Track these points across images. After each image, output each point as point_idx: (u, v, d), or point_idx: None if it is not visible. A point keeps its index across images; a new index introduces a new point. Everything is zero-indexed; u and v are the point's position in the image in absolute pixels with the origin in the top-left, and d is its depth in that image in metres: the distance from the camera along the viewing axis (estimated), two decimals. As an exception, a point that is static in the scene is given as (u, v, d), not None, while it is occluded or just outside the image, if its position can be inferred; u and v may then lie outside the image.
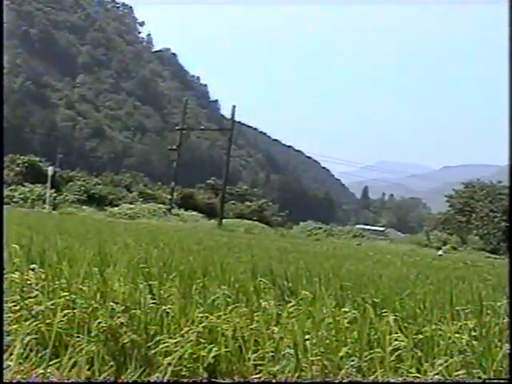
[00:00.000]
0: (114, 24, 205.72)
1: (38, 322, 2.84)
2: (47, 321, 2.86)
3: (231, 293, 3.88)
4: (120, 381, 2.49)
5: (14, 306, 3.05)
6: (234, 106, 53.10)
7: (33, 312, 2.95)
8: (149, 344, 2.73)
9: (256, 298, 3.80)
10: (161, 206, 52.84)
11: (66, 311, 2.94)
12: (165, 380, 2.46)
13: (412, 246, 47.48)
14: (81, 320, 2.90)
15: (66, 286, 3.39)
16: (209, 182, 71.40)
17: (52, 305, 2.99)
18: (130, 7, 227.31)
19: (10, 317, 2.89)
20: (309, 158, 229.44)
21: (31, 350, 2.53)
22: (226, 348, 2.73)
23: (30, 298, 3.17)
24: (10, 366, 2.34)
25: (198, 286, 4.05)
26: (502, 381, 2.61)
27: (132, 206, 51.05)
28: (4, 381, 2.25)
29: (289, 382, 2.56)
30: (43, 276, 3.68)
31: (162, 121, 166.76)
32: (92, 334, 2.70)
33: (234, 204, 64.16)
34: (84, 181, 56.30)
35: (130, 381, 2.47)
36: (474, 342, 2.88)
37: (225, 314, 3.14)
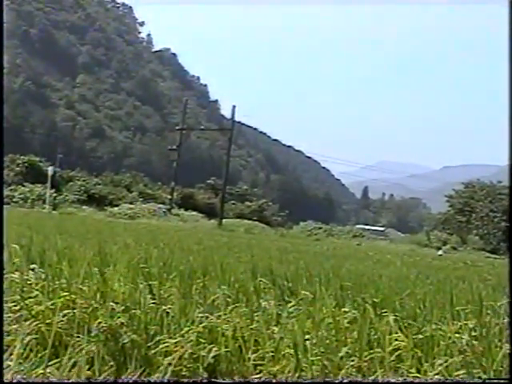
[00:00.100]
0: (114, 24, 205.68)
1: (37, 322, 2.84)
2: (47, 321, 2.86)
3: (231, 293, 3.88)
4: (120, 381, 2.49)
5: (14, 306, 3.05)
6: (234, 106, 53.14)
7: (33, 312, 2.95)
8: (149, 344, 2.73)
9: (256, 297, 3.80)
10: (161, 205, 52.84)
11: (65, 311, 2.94)
12: (165, 380, 2.46)
13: (412, 245, 47.48)
14: (81, 320, 2.91)
15: (66, 285, 3.39)
16: (209, 181, 71.39)
17: (52, 305, 2.99)
18: (130, 7, 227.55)
19: (9, 317, 2.89)
20: (309, 158, 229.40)
21: (31, 350, 2.53)
22: (226, 348, 2.73)
23: (30, 297, 3.17)
24: (9, 365, 2.34)
25: (198, 285, 4.05)
26: (502, 381, 2.61)
27: (132, 205, 51.04)
28: (4, 381, 2.25)
29: (289, 382, 2.56)
30: (43, 276, 3.68)
31: (162, 121, 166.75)
32: (92, 334, 2.70)
33: (233, 204, 64.16)
34: (84, 181, 56.30)
35: (130, 381, 2.46)
36: (474, 342, 2.88)
37: (225, 314, 3.14)
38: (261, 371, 2.65)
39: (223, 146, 68.42)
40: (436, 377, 2.59)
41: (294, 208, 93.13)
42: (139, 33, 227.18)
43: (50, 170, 46.46)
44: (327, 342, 2.80)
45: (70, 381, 2.34)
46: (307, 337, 2.79)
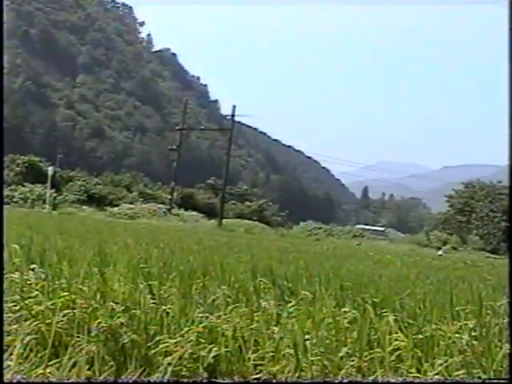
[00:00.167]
0: (114, 24, 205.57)
1: (37, 322, 2.84)
2: (47, 321, 2.86)
3: (231, 293, 3.88)
4: (120, 381, 2.49)
5: (14, 306, 3.05)
6: (234, 106, 53.19)
7: (33, 312, 2.95)
8: (149, 344, 2.73)
9: (256, 298, 3.80)
10: (161, 205, 52.86)
11: (65, 311, 2.94)
12: (165, 380, 2.46)
13: (412, 245, 47.50)
14: (81, 320, 2.91)
15: (66, 286, 3.39)
16: (209, 181, 71.41)
17: (52, 305, 2.99)
18: (130, 7, 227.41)
19: (9, 317, 2.89)
20: (309, 158, 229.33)
21: (31, 350, 2.53)
22: (226, 348, 2.73)
23: (30, 297, 3.17)
24: (9, 365, 2.34)
25: (198, 286, 4.05)
26: (502, 381, 2.61)
27: (132, 206, 51.07)
28: (4, 381, 2.25)
29: (289, 382, 2.56)
30: (43, 276, 3.68)
31: (162, 121, 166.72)
32: (92, 334, 2.70)
33: (234, 204, 64.17)
34: (84, 181, 56.31)
35: (130, 381, 2.46)
36: (474, 342, 2.88)
37: (225, 314, 3.14)
38: (261, 371, 2.64)
39: (223, 146, 68.48)
40: (436, 377, 2.59)
41: (294, 208, 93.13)
42: (139, 33, 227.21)
43: (50, 169, 46.51)
44: (327, 341, 2.80)
45: (70, 381, 2.34)
46: (307, 337, 2.79)
